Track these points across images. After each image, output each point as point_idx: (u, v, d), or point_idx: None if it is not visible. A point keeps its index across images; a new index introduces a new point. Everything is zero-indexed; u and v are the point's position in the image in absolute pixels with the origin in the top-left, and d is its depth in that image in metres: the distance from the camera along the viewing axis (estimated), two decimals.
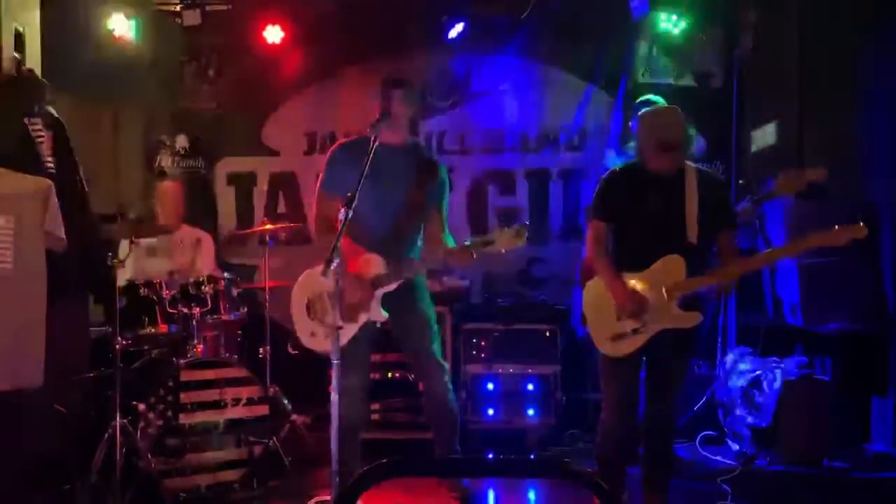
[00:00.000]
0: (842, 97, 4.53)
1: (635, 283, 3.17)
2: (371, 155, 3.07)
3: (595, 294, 3.28)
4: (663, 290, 3.11)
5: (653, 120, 3.27)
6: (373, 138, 3.16)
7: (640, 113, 3.45)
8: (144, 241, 4.43)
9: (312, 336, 3.46)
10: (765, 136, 5.17)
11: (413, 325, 3.50)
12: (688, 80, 5.45)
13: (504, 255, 3.28)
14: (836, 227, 2.95)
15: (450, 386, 3.54)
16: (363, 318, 3.37)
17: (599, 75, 5.61)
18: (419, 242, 3.55)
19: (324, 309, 3.42)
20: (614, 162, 4.55)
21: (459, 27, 5.50)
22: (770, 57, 5.13)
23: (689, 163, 3.27)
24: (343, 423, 2.92)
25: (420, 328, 3.50)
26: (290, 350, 4.47)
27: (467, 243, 3.28)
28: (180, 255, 4.60)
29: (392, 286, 3.36)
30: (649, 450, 3.36)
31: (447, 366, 3.58)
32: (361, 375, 3.45)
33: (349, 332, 3.30)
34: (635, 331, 3.14)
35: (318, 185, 3.53)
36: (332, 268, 2.91)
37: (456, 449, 3.55)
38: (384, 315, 3.38)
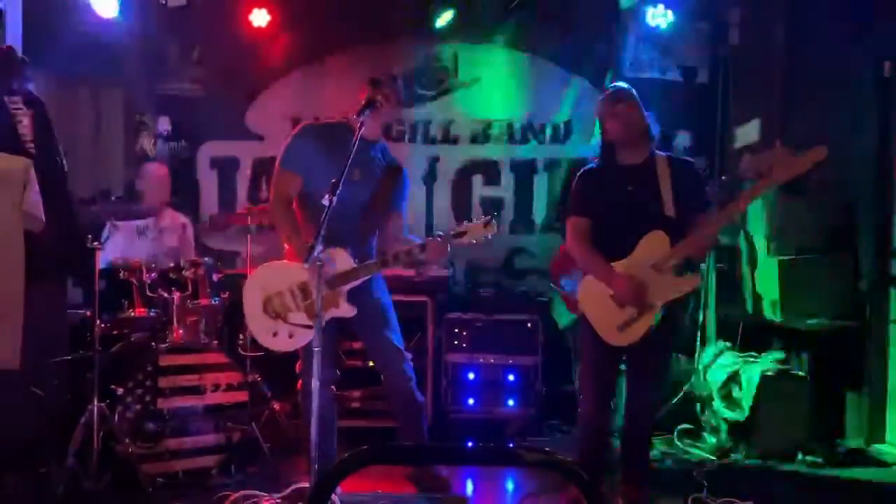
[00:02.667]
0: (825, 95, 4.56)
1: (625, 268, 3.17)
2: (356, 142, 3.05)
3: (592, 289, 3.25)
4: (654, 266, 3.12)
5: (610, 109, 3.27)
6: (359, 125, 3.13)
7: (598, 100, 3.41)
8: (128, 224, 4.39)
9: (274, 336, 3.30)
10: (748, 132, 5.20)
11: (369, 314, 3.40)
12: (674, 75, 5.45)
13: (478, 244, 3.24)
14: (796, 153, 2.95)
15: (410, 373, 3.46)
16: (330, 314, 3.23)
17: (586, 67, 5.62)
18: (374, 241, 3.50)
19: (285, 306, 3.27)
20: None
21: (448, 15, 5.48)
22: (755, 53, 5.15)
23: (658, 152, 3.29)
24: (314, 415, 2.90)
25: (376, 317, 3.44)
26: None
27: (440, 234, 3.27)
28: (168, 238, 4.55)
29: (358, 282, 3.29)
30: (630, 443, 3.37)
31: (409, 355, 3.51)
32: (330, 369, 3.38)
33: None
34: (640, 314, 3.13)
35: (277, 162, 3.39)
36: (314, 255, 2.89)
37: (424, 436, 3.50)
38: (353, 311, 3.30)
